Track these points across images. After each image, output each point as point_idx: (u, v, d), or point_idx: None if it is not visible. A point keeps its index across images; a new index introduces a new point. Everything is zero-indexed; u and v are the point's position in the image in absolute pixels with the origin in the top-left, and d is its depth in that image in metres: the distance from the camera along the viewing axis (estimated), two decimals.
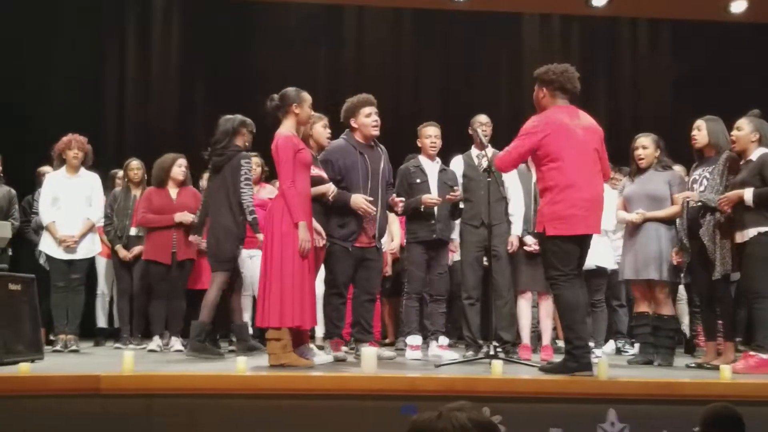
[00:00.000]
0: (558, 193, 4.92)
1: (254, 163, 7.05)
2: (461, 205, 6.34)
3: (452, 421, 1.59)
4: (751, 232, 5.42)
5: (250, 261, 7.02)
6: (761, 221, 5.40)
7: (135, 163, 7.53)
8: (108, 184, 7.62)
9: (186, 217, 6.89)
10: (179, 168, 7.08)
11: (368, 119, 6.01)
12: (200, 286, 7.39)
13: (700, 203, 5.67)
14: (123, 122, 10.02)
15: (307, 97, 5.46)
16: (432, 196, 6.22)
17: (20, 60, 9.30)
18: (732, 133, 5.64)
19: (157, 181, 7.09)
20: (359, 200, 5.83)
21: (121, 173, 7.89)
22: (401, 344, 6.98)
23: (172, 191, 7.07)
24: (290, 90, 5.46)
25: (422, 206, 6.19)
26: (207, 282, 7.33)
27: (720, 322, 5.94)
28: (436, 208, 6.23)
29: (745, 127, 5.56)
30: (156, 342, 6.87)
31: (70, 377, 4.56)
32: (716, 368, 5.22)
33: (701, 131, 5.87)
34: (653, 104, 10.54)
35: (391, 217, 7.05)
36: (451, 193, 6.23)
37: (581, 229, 4.91)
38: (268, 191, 7.13)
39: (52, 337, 7.00)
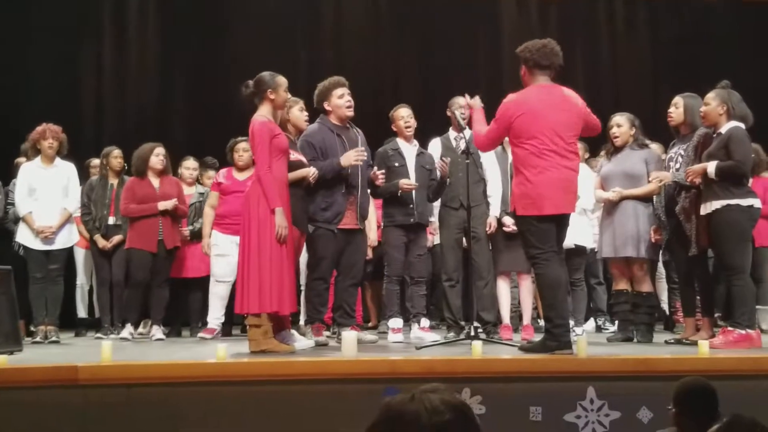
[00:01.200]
0: (528, 174, 4.92)
1: (242, 149, 7.04)
2: (447, 181, 6.30)
3: (425, 403, 1.58)
4: (715, 204, 5.43)
5: (234, 247, 6.92)
6: (726, 194, 5.42)
7: (117, 152, 7.45)
8: (83, 173, 7.54)
9: (169, 204, 6.87)
10: (157, 157, 7.02)
11: (341, 100, 5.99)
12: (185, 274, 7.42)
13: (674, 182, 5.69)
14: (100, 111, 9.93)
15: (282, 81, 5.42)
16: (409, 180, 6.20)
17: None
18: (701, 108, 5.64)
19: (138, 171, 7.03)
20: (349, 154, 5.83)
21: (95, 162, 7.83)
22: (384, 327, 6.99)
23: (154, 181, 7.02)
24: (265, 75, 5.42)
25: (399, 191, 6.18)
26: (191, 271, 7.38)
27: (698, 298, 5.97)
28: (413, 192, 6.21)
29: (711, 101, 5.56)
30: (128, 330, 6.78)
31: (47, 368, 4.51)
32: (695, 344, 5.22)
33: (678, 108, 5.88)
34: (632, 84, 10.54)
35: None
36: (440, 163, 6.21)
37: (550, 209, 4.90)
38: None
39: (32, 329, 6.96)
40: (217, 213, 7.09)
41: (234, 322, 7.32)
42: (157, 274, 6.97)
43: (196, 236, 7.35)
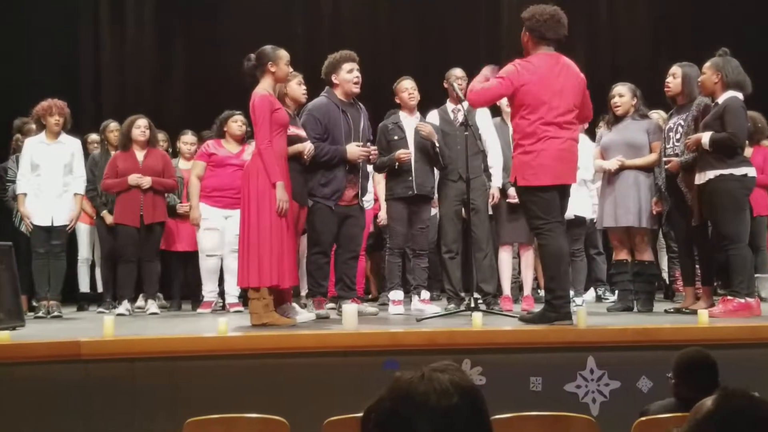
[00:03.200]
0: (529, 144, 4.90)
1: (240, 121, 6.98)
2: (438, 152, 6.26)
3: (434, 384, 1.55)
4: (709, 174, 5.41)
5: (225, 221, 6.93)
6: (719, 164, 5.39)
7: (114, 125, 7.38)
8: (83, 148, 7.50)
9: (141, 180, 6.73)
10: (138, 129, 6.89)
11: (350, 75, 5.94)
12: (174, 248, 7.40)
13: (685, 159, 5.66)
14: (99, 85, 9.88)
15: (283, 54, 5.39)
16: (405, 150, 6.15)
17: None
18: (699, 78, 5.61)
19: (121, 145, 6.96)
20: (355, 149, 5.80)
21: (93, 137, 7.80)
22: (384, 299, 7.00)
23: (139, 153, 6.92)
24: (266, 48, 5.40)
25: (396, 163, 6.16)
26: (182, 244, 7.35)
27: (698, 267, 5.96)
28: (413, 164, 6.19)
29: (705, 70, 5.52)
30: (125, 306, 6.74)
31: (50, 344, 4.53)
32: (694, 313, 5.24)
33: (676, 78, 5.84)
34: (631, 53, 10.45)
35: (378, 177, 7.01)
36: (419, 125, 6.17)
37: (550, 179, 4.88)
38: (248, 152, 7.03)
39: (34, 304, 6.96)
40: (207, 185, 6.94)
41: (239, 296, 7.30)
42: (144, 248, 6.88)
43: (172, 211, 7.26)
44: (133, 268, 6.89)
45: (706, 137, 5.35)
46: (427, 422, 1.51)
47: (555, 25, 4.97)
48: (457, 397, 1.53)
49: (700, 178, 5.48)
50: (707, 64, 5.53)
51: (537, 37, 4.99)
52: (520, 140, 4.96)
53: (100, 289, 7.59)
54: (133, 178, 6.74)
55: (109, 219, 7.17)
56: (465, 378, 1.60)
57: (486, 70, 5.16)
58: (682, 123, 5.74)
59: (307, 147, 5.72)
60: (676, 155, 5.73)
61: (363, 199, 6.21)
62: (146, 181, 6.75)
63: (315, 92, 6.16)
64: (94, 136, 7.84)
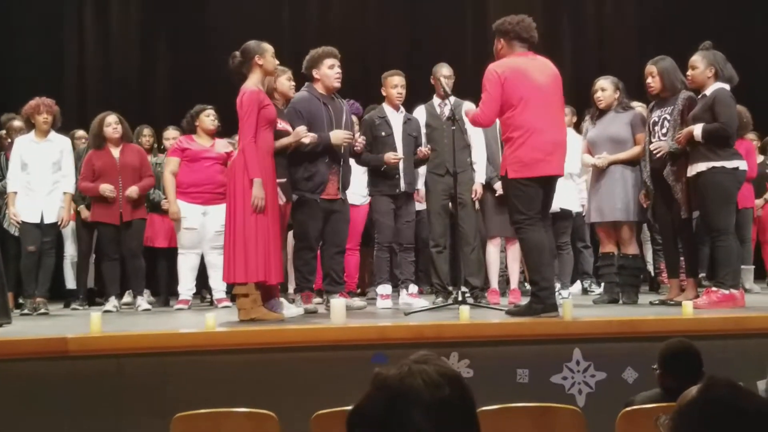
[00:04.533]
0: (519, 138, 4.95)
1: (213, 115, 6.92)
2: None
3: (424, 377, 1.55)
4: (701, 166, 5.44)
5: (204, 218, 6.83)
6: (711, 156, 5.42)
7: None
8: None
9: (110, 193, 6.63)
10: (109, 127, 6.76)
11: (331, 71, 5.94)
12: (160, 243, 7.37)
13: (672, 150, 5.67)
14: (83, 82, 9.82)
15: (268, 47, 5.39)
16: (394, 154, 6.16)
17: None
18: (688, 72, 5.63)
19: (95, 145, 6.84)
20: (339, 134, 5.80)
21: (80, 133, 7.75)
22: (372, 294, 7.01)
23: (114, 150, 6.80)
24: (251, 43, 5.40)
25: (383, 166, 6.16)
26: (167, 240, 7.32)
27: (682, 259, 5.99)
28: (401, 164, 6.20)
29: (698, 64, 5.55)
30: (112, 302, 6.70)
31: (37, 340, 4.51)
32: (679, 305, 5.26)
33: (655, 77, 5.82)
34: (618, 49, 10.46)
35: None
36: (419, 151, 6.20)
37: (541, 171, 4.94)
38: (222, 145, 6.98)
39: (21, 301, 6.92)
40: (183, 182, 6.78)
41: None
42: (126, 245, 6.81)
43: (156, 207, 7.22)
44: (116, 265, 6.85)
45: (698, 129, 5.37)
46: (425, 417, 1.50)
47: (527, 27, 5.11)
48: (448, 388, 1.54)
49: (692, 170, 5.50)
50: (698, 58, 5.55)
51: (513, 38, 5.09)
52: (510, 134, 5.02)
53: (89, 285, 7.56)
54: (105, 188, 6.61)
55: (85, 214, 7.10)
56: (448, 366, 1.61)
57: None
58: (668, 117, 5.74)
59: (302, 129, 5.67)
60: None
61: (355, 194, 6.21)
62: (133, 191, 6.68)
63: (301, 87, 6.15)
64: (81, 132, 7.77)
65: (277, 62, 5.53)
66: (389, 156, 6.12)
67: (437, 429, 1.49)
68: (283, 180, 5.69)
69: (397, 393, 1.53)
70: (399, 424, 1.50)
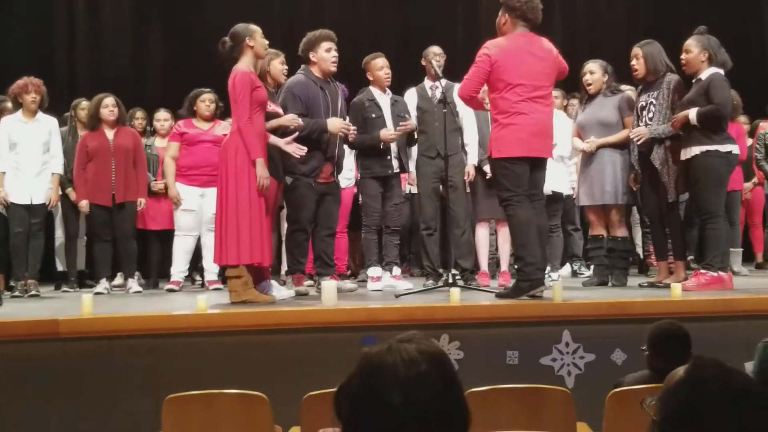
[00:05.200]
0: (506, 119, 4.98)
1: (208, 100, 6.93)
2: (416, 135, 6.32)
3: (401, 354, 1.58)
4: (695, 150, 5.46)
5: (202, 200, 6.86)
6: (704, 140, 5.44)
7: (85, 103, 7.11)
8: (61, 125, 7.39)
9: (84, 208, 6.77)
10: (106, 109, 6.75)
11: (328, 54, 5.92)
12: (151, 226, 7.35)
13: (654, 135, 5.69)
14: (73, 63, 9.75)
15: (256, 28, 5.36)
16: (389, 130, 6.17)
17: None
18: (681, 56, 5.63)
19: (90, 126, 6.83)
20: (336, 123, 5.80)
21: (70, 115, 7.71)
22: (363, 276, 7.02)
23: (109, 132, 6.79)
24: (239, 26, 5.36)
25: (381, 143, 6.15)
26: (158, 223, 7.31)
27: (670, 241, 6.02)
28: (392, 144, 6.20)
29: (693, 48, 5.56)
30: (103, 284, 6.70)
31: (28, 322, 4.50)
32: (668, 287, 5.29)
33: (639, 59, 5.83)
34: (608, 32, 10.44)
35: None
36: (401, 124, 6.19)
37: (525, 151, 4.96)
38: (222, 127, 6.98)
39: (11, 283, 6.90)
40: (183, 164, 6.84)
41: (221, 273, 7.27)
42: (118, 227, 6.80)
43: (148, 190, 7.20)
44: (108, 247, 6.83)
45: (692, 113, 5.39)
46: (399, 392, 1.53)
47: (535, 7, 5.11)
48: (425, 364, 1.56)
49: (686, 154, 5.51)
50: (692, 42, 5.56)
51: (518, 16, 5.08)
52: (497, 115, 5.05)
53: (80, 267, 7.54)
54: (82, 205, 6.77)
55: (73, 196, 7.05)
56: (431, 345, 1.63)
57: None
58: (654, 102, 5.74)
59: (288, 120, 5.67)
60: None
61: (341, 176, 6.21)
62: (141, 203, 6.88)
63: (293, 72, 6.12)
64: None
65: (267, 42, 5.50)
66: (384, 133, 6.12)
67: (411, 404, 1.52)
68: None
69: (375, 369, 1.57)
70: (375, 399, 1.54)
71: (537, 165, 5.10)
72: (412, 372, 1.55)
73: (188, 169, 6.85)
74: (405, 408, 1.52)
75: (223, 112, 7.11)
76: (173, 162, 6.87)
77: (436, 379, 1.56)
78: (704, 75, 5.50)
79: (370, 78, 6.42)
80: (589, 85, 6.14)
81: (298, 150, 5.55)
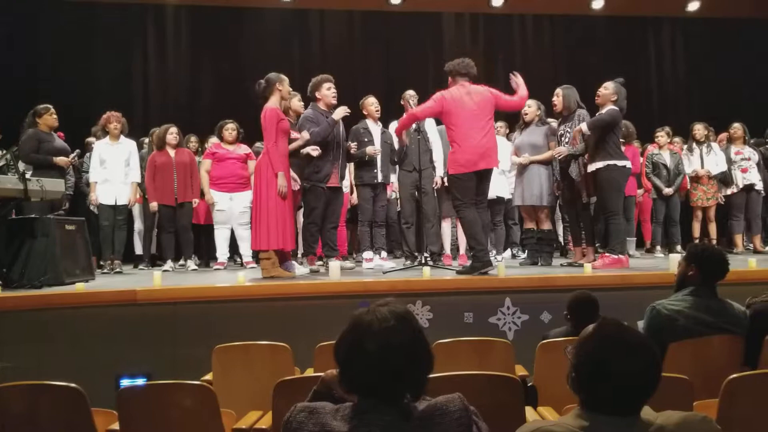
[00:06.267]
0: (456, 145, 5.02)
1: (230, 128, 6.90)
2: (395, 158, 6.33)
3: (376, 314, 1.61)
4: (599, 164, 5.47)
5: (231, 202, 6.85)
6: (605, 156, 5.45)
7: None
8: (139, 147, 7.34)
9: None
10: (171, 135, 6.77)
11: (329, 92, 5.90)
12: (204, 221, 7.32)
13: (570, 152, 5.71)
14: (148, 101, 9.73)
15: (285, 78, 5.40)
16: (374, 147, 6.18)
17: (69, 66, 9.03)
18: (599, 90, 5.62)
19: (158, 146, 6.81)
20: (339, 111, 5.74)
21: (147, 139, 7.68)
22: (359, 258, 7.01)
23: (171, 152, 6.79)
24: (272, 74, 5.39)
25: (366, 156, 6.15)
26: (204, 218, 7.28)
27: (583, 233, 6.04)
28: (378, 158, 6.20)
29: (610, 87, 5.56)
30: (169, 264, 6.74)
31: (114, 292, 4.50)
32: (581, 266, 5.33)
33: (558, 97, 5.86)
34: (539, 79, 10.42)
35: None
36: (371, 149, 6.16)
37: (471, 167, 4.98)
38: (243, 149, 7.00)
39: (101, 263, 6.86)
40: (214, 176, 6.82)
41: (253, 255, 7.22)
42: (179, 221, 6.78)
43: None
44: (172, 237, 6.82)
45: (584, 125, 5.44)
46: (371, 341, 1.56)
47: (465, 65, 5.17)
48: (393, 321, 1.59)
49: (592, 167, 5.52)
50: (611, 84, 5.57)
51: (455, 74, 5.18)
52: (451, 143, 5.10)
53: (153, 251, 7.52)
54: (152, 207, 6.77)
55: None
56: (400, 307, 1.65)
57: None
58: (569, 130, 5.77)
59: (305, 137, 5.63)
60: (570, 155, 5.76)
61: (342, 183, 6.20)
62: (195, 202, 6.81)
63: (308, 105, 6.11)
64: (146, 139, 7.71)
65: (290, 89, 5.51)
66: (369, 149, 6.14)
67: (382, 350, 1.55)
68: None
69: (356, 326, 1.61)
70: (357, 348, 1.58)
71: (483, 176, 5.10)
72: (383, 326, 1.58)
73: (219, 179, 6.84)
74: (378, 352, 1.55)
75: (244, 136, 7.11)
76: (207, 174, 6.87)
77: (401, 331, 1.59)
78: (605, 110, 5.52)
79: (365, 113, 6.41)
80: (526, 114, 6.15)
81: (313, 151, 5.58)
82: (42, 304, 4.30)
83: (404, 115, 5.42)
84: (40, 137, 6.09)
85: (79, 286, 4.58)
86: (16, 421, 2.48)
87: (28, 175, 5.14)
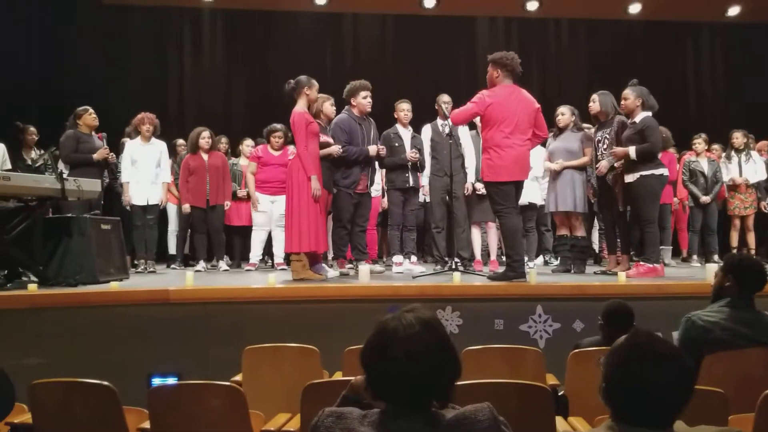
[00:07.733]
0: (493, 152, 4.89)
1: (278, 135, 6.96)
2: (424, 163, 6.34)
3: (402, 320, 1.61)
4: (637, 174, 5.39)
5: (272, 205, 6.96)
6: (644, 167, 5.36)
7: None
8: (171, 149, 7.46)
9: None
10: (203, 139, 6.86)
11: (364, 100, 5.92)
12: (234, 222, 7.41)
13: (612, 165, 5.64)
14: (182, 104, 9.89)
15: (314, 82, 5.42)
16: (414, 152, 6.18)
17: (104, 72, 9.25)
18: (621, 102, 5.56)
19: (191, 150, 6.92)
20: (373, 148, 5.84)
21: (180, 141, 7.80)
22: (389, 262, 7.02)
23: (204, 155, 6.88)
24: (302, 77, 5.41)
25: (409, 161, 6.16)
26: (240, 220, 7.37)
27: (618, 240, 5.96)
28: (409, 165, 6.19)
29: (629, 96, 5.47)
30: (201, 264, 6.83)
31: (147, 291, 4.57)
32: (615, 274, 5.25)
33: (594, 103, 5.82)
34: (572, 83, 10.38)
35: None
36: (410, 155, 6.19)
37: (507, 176, 4.88)
38: (289, 153, 7.04)
39: (135, 262, 6.99)
40: (258, 179, 6.93)
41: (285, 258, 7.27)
42: (211, 223, 6.88)
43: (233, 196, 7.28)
44: (204, 238, 6.93)
45: (632, 151, 5.30)
46: (396, 347, 1.57)
47: (511, 58, 4.99)
48: (419, 327, 1.59)
49: (630, 178, 5.43)
50: (629, 92, 5.46)
51: (508, 71, 4.96)
52: (488, 148, 4.94)
53: (186, 251, 7.64)
54: (184, 208, 6.88)
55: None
56: (427, 314, 1.65)
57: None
58: (608, 137, 5.71)
59: (335, 149, 5.70)
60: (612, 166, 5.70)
61: (372, 188, 6.21)
62: (227, 205, 6.97)
63: (339, 109, 6.14)
64: (181, 141, 7.83)
65: (318, 95, 5.55)
66: (410, 154, 6.15)
67: (408, 356, 1.55)
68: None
69: (382, 331, 1.61)
70: (384, 352, 1.58)
71: (518, 185, 5.02)
72: (408, 332, 1.58)
73: (262, 183, 6.94)
74: (403, 359, 1.55)
75: (289, 141, 7.16)
76: (252, 176, 6.97)
77: (427, 338, 1.59)
78: (638, 118, 5.41)
79: (396, 117, 6.42)
80: (560, 121, 6.09)
81: (339, 152, 5.63)
82: (76, 301, 4.38)
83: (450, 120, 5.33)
84: (79, 137, 6.24)
85: (114, 285, 4.67)
86: (50, 417, 2.54)
87: (65, 175, 5.25)
